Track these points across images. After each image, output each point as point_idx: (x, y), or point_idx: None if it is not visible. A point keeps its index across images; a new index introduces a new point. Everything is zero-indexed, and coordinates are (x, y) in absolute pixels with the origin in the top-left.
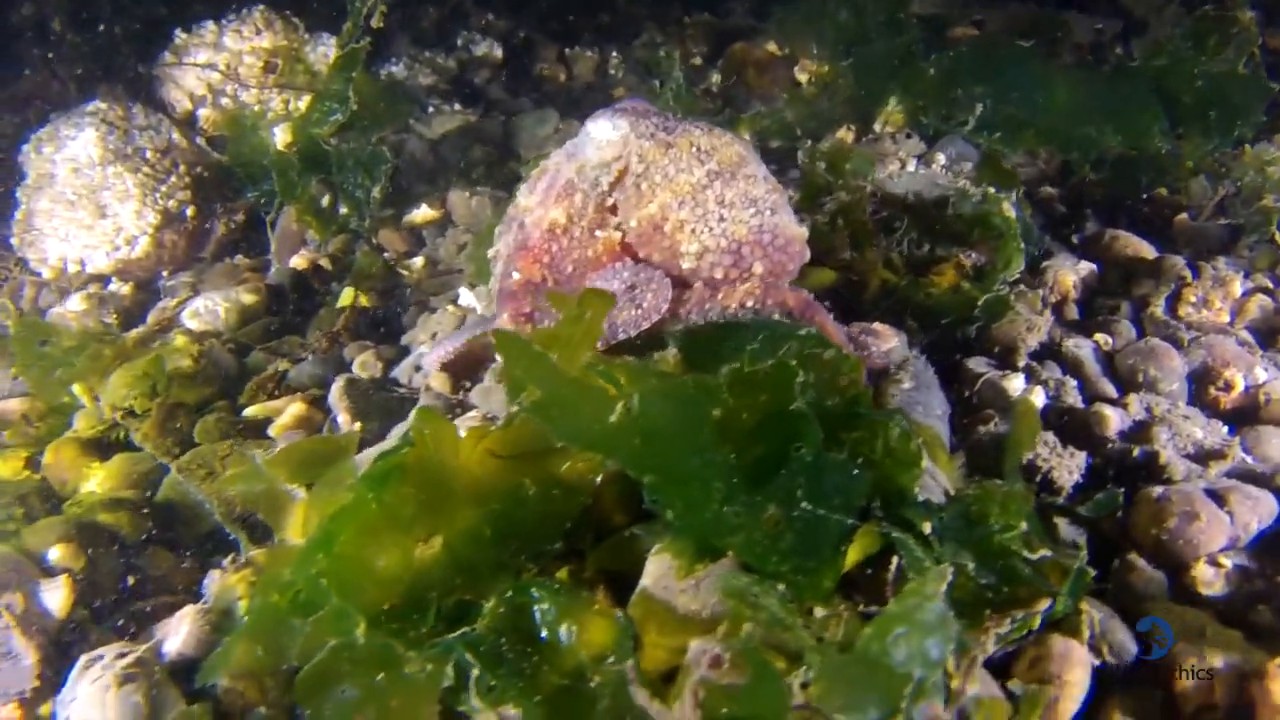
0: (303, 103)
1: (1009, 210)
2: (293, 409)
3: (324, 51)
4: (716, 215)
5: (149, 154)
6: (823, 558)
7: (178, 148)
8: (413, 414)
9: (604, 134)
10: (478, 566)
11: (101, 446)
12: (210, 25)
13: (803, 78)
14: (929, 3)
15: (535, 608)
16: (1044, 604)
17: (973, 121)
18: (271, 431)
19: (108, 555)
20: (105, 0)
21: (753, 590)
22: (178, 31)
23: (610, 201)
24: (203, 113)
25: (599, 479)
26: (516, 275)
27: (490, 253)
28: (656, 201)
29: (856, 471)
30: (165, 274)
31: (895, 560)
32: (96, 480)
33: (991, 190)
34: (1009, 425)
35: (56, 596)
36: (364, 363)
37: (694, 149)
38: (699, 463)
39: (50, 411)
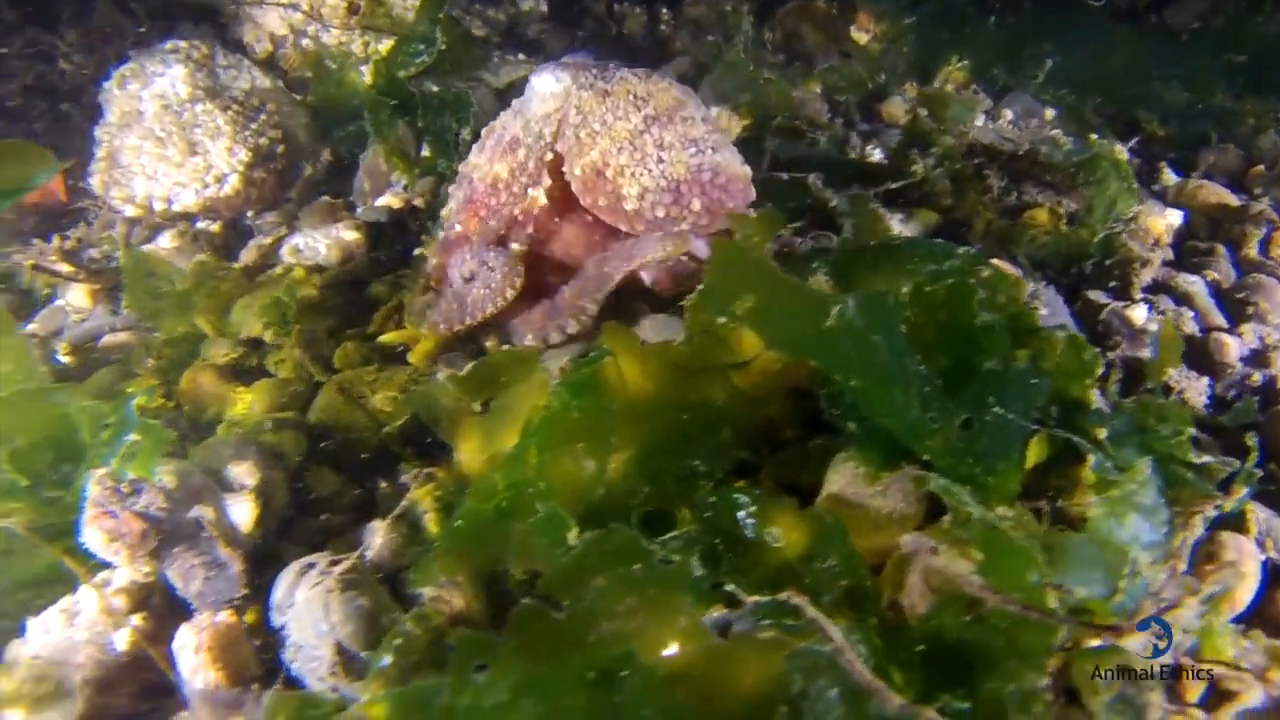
0: (383, 45)
1: (1121, 153)
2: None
3: None
4: (655, 158)
5: (236, 92)
6: (1011, 460)
7: (261, 87)
8: (604, 330)
9: (547, 86)
10: (664, 475)
11: (236, 373)
12: None
13: (859, 35)
14: None
15: (741, 512)
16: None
17: (1041, 77)
18: (411, 358)
19: (276, 474)
20: None
21: (951, 490)
22: None
23: (551, 156)
24: (283, 53)
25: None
26: (458, 228)
27: (443, 211)
28: (598, 149)
29: (1037, 380)
30: (250, 213)
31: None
32: (244, 404)
33: (1094, 137)
34: (1134, 350)
35: (244, 511)
36: None
37: (630, 96)
38: (901, 370)
39: (167, 343)
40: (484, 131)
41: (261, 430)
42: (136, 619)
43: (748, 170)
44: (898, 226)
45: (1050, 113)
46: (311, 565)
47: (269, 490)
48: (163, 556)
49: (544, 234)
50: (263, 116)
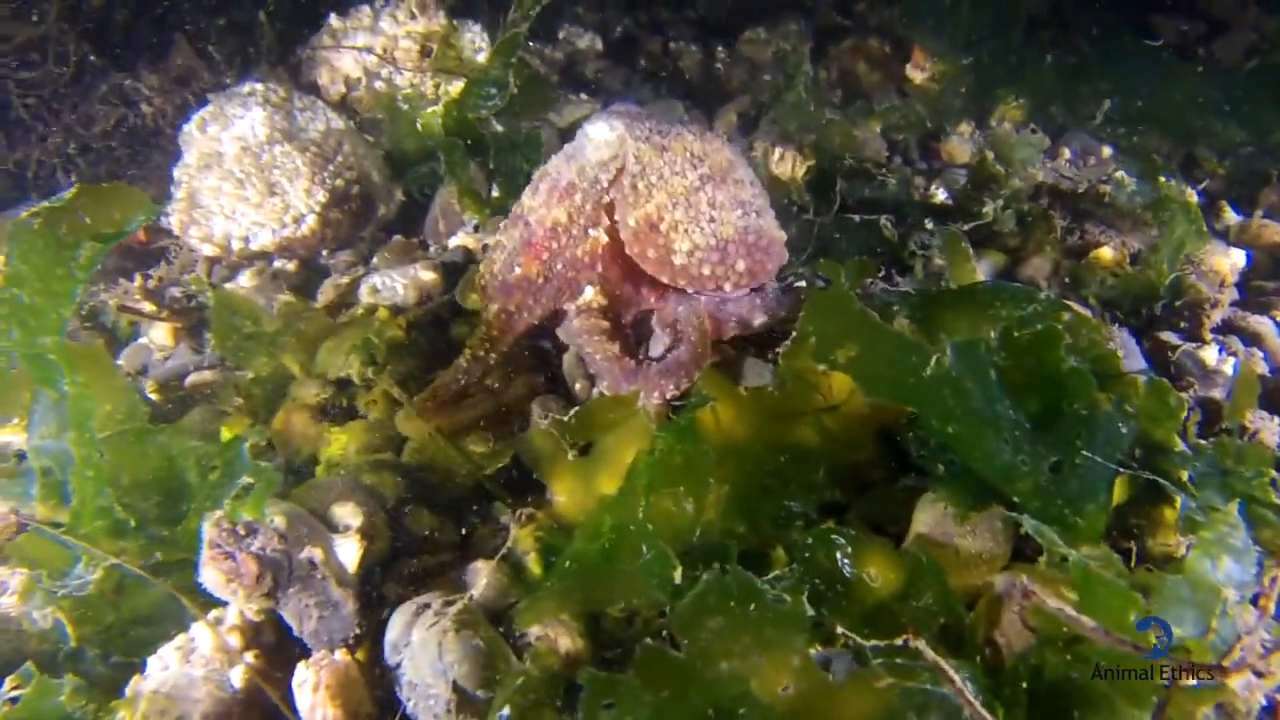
0: (453, 87)
1: (1191, 196)
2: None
3: (469, 38)
4: (708, 216)
5: (313, 134)
6: (1098, 502)
7: (336, 129)
8: (700, 376)
9: (601, 134)
10: (760, 516)
11: (325, 414)
12: (366, 9)
13: (914, 73)
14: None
15: (839, 552)
16: None
17: (1099, 117)
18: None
19: (377, 514)
20: None
21: (1043, 530)
22: (333, 15)
23: (607, 200)
24: (355, 95)
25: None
26: (518, 270)
27: (489, 240)
28: (654, 202)
29: (1123, 424)
30: (325, 252)
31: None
32: (339, 445)
33: (1164, 180)
34: (1207, 390)
35: (350, 551)
36: None
37: (688, 153)
38: (994, 415)
39: (255, 382)
40: (536, 175)
41: (360, 471)
42: (250, 656)
43: (783, 235)
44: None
45: (1107, 150)
46: (426, 605)
47: (371, 530)
48: (278, 596)
49: (609, 273)
50: (339, 158)
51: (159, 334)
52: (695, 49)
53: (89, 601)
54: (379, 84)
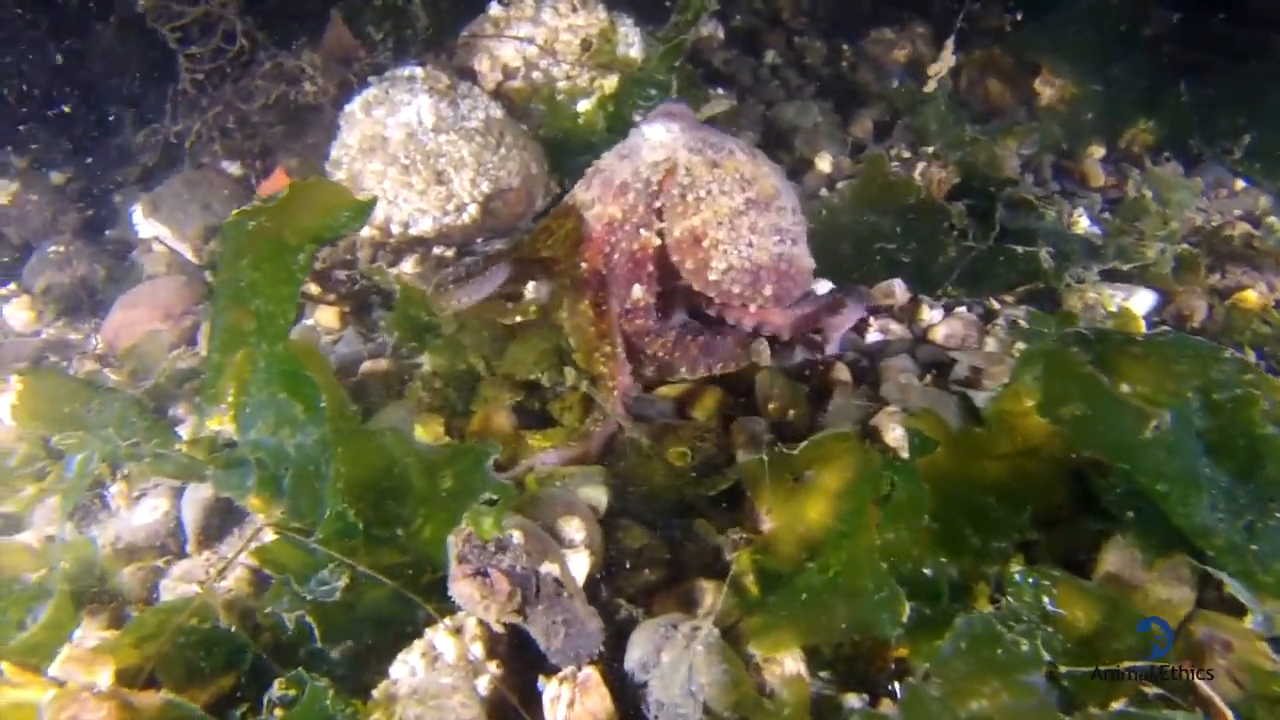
0: (606, 81)
1: None
2: (711, 394)
3: (624, 32)
4: (747, 240)
5: (475, 123)
6: None
7: (495, 119)
8: (917, 414)
9: (658, 135)
10: (965, 552)
11: (521, 416)
12: (529, 0)
13: (1042, 89)
14: (1156, 24)
15: (1045, 595)
16: None
17: (1238, 151)
18: (696, 414)
19: (595, 528)
20: None
21: (1238, 585)
22: (494, 3)
23: (658, 204)
24: (512, 84)
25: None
26: (584, 265)
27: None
28: (700, 216)
29: None
30: (480, 240)
31: None
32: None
33: None
34: None
35: (581, 565)
36: None
37: (738, 174)
38: (1199, 476)
39: (442, 378)
40: (589, 170)
41: (577, 482)
42: (493, 666)
43: (812, 264)
44: (1118, 303)
45: (1240, 184)
46: (674, 626)
47: (592, 544)
48: (526, 612)
49: (658, 273)
50: (502, 149)
51: (325, 316)
52: (820, 44)
53: (330, 604)
54: (536, 75)
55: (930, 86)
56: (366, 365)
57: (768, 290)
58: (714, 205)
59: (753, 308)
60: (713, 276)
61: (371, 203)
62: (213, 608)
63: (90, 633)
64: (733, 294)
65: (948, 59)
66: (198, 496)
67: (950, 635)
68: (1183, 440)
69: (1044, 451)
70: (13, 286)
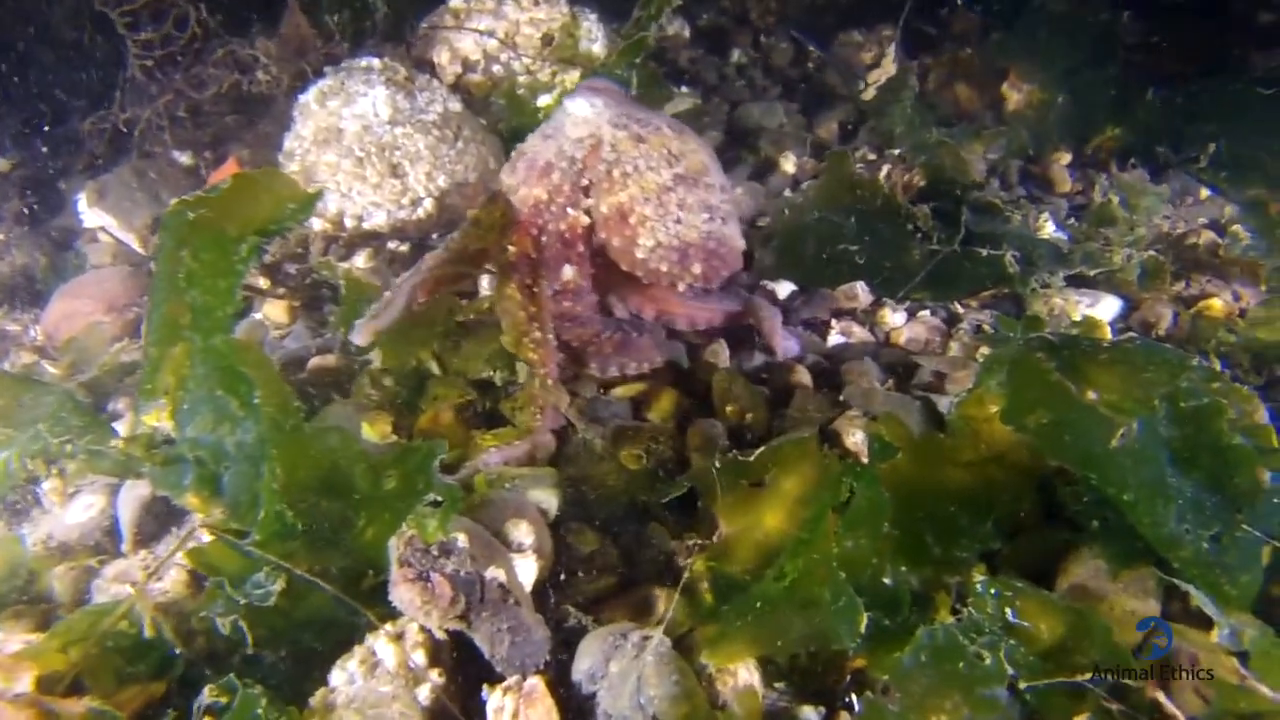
0: (568, 76)
1: None
2: (667, 395)
3: (587, 27)
4: (674, 217)
5: (433, 116)
6: (1253, 572)
7: (454, 111)
8: (882, 419)
9: (581, 111)
10: (925, 561)
11: (470, 415)
12: None
13: (1010, 92)
14: (1132, 32)
15: (1007, 606)
16: None
17: (1204, 160)
18: (652, 415)
19: (544, 531)
20: None
21: (1203, 597)
22: None
23: (584, 181)
24: (471, 77)
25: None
26: (511, 249)
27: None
28: (626, 193)
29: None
30: (435, 235)
31: None
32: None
33: None
34: None
35: (529, 571)
36: None
37: (665, 150)
38: (1166, 486)
39: (391, 375)
40: (513, 154)
41: (526, 484)
42: (436, 674)
43: (743, 244)
44: (1084, 309)
45: (1205, 192)
46: (623, 636)
47: (541, 549)
48: (470, 619)
49: (588, 253)
50: (460, 143)
51: (274, 310)
52: (786, 46)
53: (267, 608)
54: (496, 68)
55: (869, 94)
56: (314, 361)
57: (696, 269)
58: (640, 181)
59: (680, 286)
60: (640, 254)
61: (318, 195)
62: (142, 611)
63: (14, 636)
64: (660, 272)
65: (888, 67)
66: (134, 494)
67: (911, 647)
68: (1150, 449)
69: (1008, 459)
70: None
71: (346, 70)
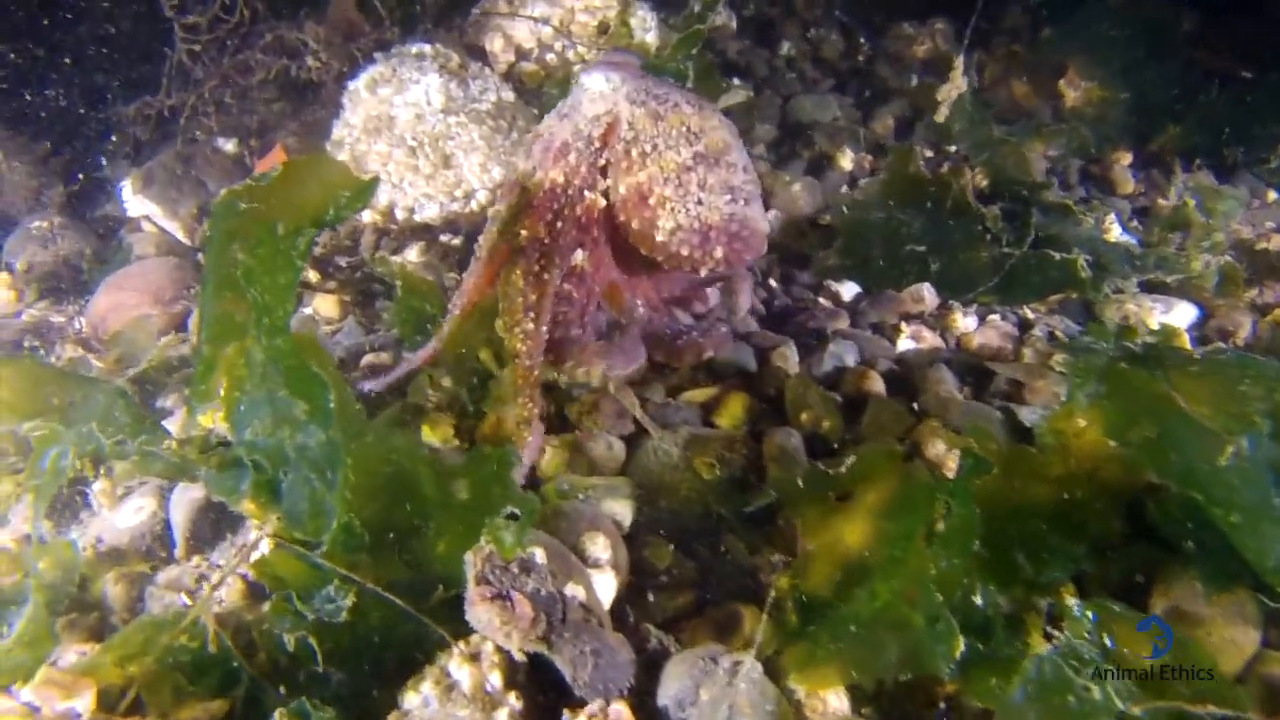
0: None
1: None
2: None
3: (641, 16)
4: (695, 198)
5: (486, 105)
6: None
7: (507, 101)
8: (969, 430)
9: (597, 86)
10: (1014, 580)
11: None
12: None
13: (1067, 90)
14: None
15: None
16: None
17: (1275, 161)
18: (722, 421)
19: (619, 544)
20: None
21: None
22: None
23: (602, 161)
24: (524, 66)
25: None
26: (523, 234)
27: (490, 211)
28: (646, 172)
29: None
30: None
31: None
32: (557, 460)
33: None
34: None
35: (607, 588)
36: None
37: (684, 127)
38: (1273, 507)
39: (451, 376)
40: (529, 138)
41: (601, 495)
42: (512, 698)
43: (767, 227)
44: (1158, 316)
45: (1273, 194)
46: (713, 660)
47: (620, 564)
48: (552, 640)
49: (602, 237)
50: (514, 134)
51: (325, 305)
52: (836, 38)
53: (335, 624)
54: (550, 57)
55: (941, 114)
56: (369, 359)
57: (718, 252)
58: (660, 160)
59: (702, 270)
60: (660, 237)
61: (374, 183)
62: (206, 625)
63: (70, 647)
64: (681, 256)
65: (958, 81)
66: (187, 498)
67: (1019, 679)
68: (1257, 468)
69: (1100, 475)
70: None
71: (398, 57)
